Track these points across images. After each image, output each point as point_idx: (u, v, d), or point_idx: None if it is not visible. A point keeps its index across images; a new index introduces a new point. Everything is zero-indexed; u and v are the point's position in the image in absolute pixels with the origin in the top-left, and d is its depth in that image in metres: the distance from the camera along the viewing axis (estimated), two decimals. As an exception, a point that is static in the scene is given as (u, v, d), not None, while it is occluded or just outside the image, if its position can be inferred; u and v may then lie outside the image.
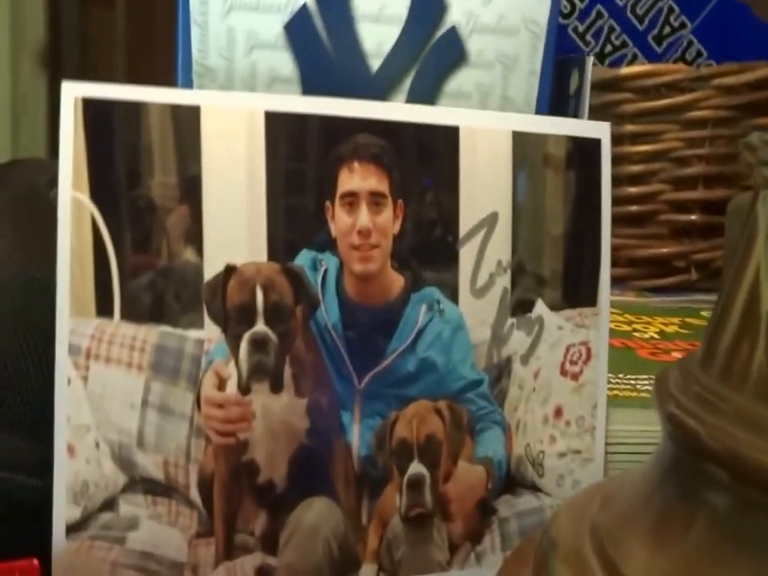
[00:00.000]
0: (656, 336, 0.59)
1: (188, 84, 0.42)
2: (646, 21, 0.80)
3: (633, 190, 0.75)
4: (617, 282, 0.70)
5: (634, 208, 0.75)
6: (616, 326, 0.57)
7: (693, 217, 0.81)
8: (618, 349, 0.51)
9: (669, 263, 0.82)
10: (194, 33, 0.42)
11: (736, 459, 0.26)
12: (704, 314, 0.67)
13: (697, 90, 0.74)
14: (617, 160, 0.67)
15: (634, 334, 0.58)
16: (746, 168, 0.79)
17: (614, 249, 0.62)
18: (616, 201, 0.61)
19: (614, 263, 0.66)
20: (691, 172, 0.79)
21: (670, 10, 0.79)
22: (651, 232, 0.79)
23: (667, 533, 0.29)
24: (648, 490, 0.31)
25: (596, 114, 0.55)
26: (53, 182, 0.43)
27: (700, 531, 0.28)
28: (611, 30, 0.80)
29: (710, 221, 0.81)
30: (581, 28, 0.79)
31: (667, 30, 0.80)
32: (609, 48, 0.79)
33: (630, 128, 0.73)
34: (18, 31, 1.34)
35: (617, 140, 0.71)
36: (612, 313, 0.50)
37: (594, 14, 0.79)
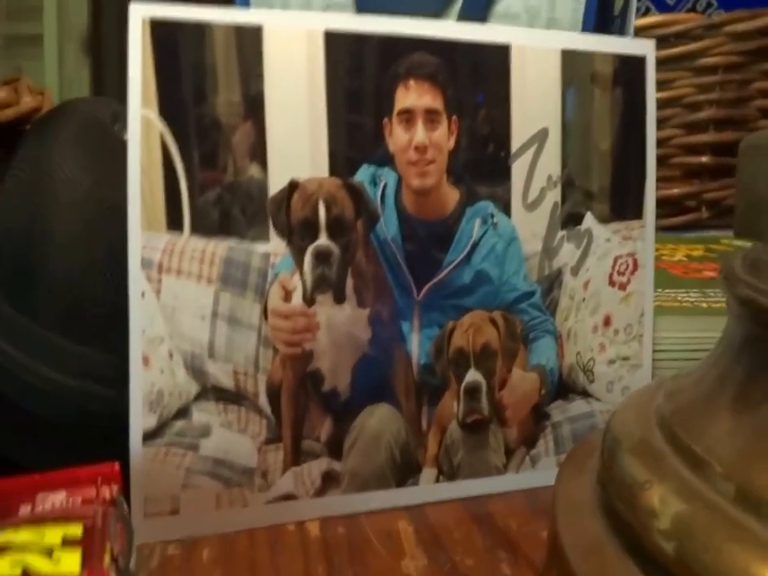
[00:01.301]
0: (684, 258, 0.61)
1: (246, 5, 0.43)
2: (659, -27, 0.80)
3: None
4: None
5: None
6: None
7: (703, 159, 0.84)
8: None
9: (681, 203, 0.85)
10: None
11: None
12: (725, 241, 0.68)
13: (708, 37, 0.76)
14: None
15: (663, 257, 0.60)
16: (754, 111, 0.82)
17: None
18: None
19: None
20: (702, 116, 0.82)
21: (683, -39, 0.79)
22: (664, 174, 0.81)
23: (741, 411, 0.30)
24: (718, 374, 0.32)
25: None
26: (116, 116, 0.44)
27: None
28: (626, -20, 0.81)
29: (720, 162, 0.83)
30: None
31: (680, -19, 0.81)
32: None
33: None
34: (63, 19, 1.33)
35: None
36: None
37: None
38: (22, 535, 0.29)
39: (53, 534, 0.29)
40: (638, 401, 0.36)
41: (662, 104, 0.78)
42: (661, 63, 0.74)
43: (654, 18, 0.76)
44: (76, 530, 0.30)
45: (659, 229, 0.79)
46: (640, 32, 0.75)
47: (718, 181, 0.85)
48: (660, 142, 0.77)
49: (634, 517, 0.31)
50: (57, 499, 0.33)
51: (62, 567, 0.28)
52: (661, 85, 0.75)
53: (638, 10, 0.82)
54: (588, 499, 0.35)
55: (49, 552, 0.28)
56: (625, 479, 0.32)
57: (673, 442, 0.31)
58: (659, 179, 0.81)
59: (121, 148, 0.41)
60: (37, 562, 0.28)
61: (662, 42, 0.76)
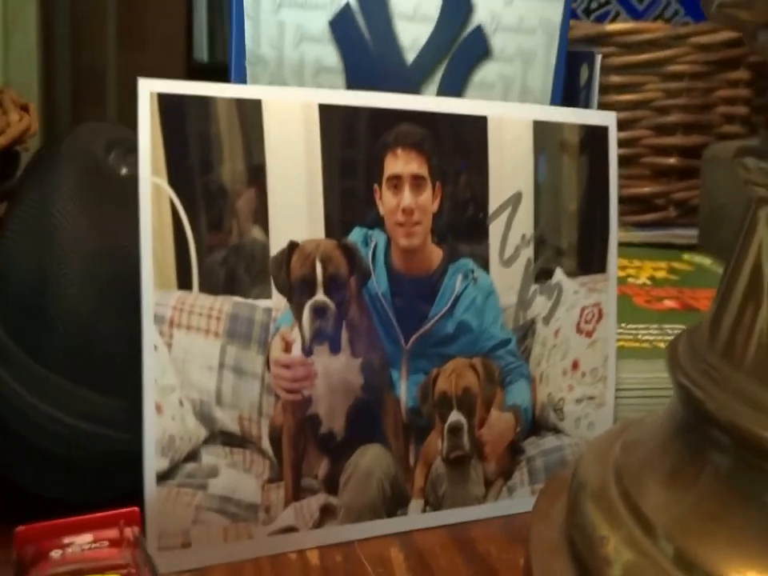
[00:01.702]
0: (648, 282, 0.66)
1: (241, 71, 0.46)
2: (629, -20, 0.85)
3: (618, 134, 0.81)
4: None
5: (619, 151, 0.81)
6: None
7: (671, 160, 0.87)
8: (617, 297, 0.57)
9: (650, 201, 0.88)
10: (248, 25, 0.46)
11: (737, 429, 0.31)
12: (686, 257, 0.73)
13: (675, 46, 0.80)
14: (603, 107, 0.75)
15: (629, 279, 0.65)
16: (719, 117, 0.85)
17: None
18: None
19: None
20: (671, 120, 0.85)
21: (652, -29, 0.84)
22: (635, 173, 0.85)
23: (679, 483, 0.34)
24: (663, 442, 0.36)
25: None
26: (110, 145, 0.46)
27: (706, 483, 0.33)
28: (597, -13, 0.85)
29: (687, 164, 0.86)
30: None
31: (649, -12, 0.85)
32: (594, 5, 0.83)
33: (615, 79, 0.79)
34: None
35: (603, 89, 0.78)
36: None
37: None
38: None
39: None
40: (600, 448, 0.40)
41: (632, 106, 0.82)
42: (631, 67, 0.80)
43: (624, 25, 0.80)
44: None
45: (631, 224, 0.84)
46: (611, 36, 0.80)
47: (685, 181, 0.89)
48: (631, 142, 0.82)
49: (592, 558, 0.35)
50: (84, 542, 0.35)
51: None
52: (631, 87, 0.82)
53: (608, 13, 0.86)
54: (557, 540, 0.39)
55: None
56: (586, 528, 0.36)
57: (625, 497, 0.36)
58: (630, 177, 0.86)
59: (119, 184, 0.45)
60: None
61: (633, 47, 0.80)
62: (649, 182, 0.88)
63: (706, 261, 0.75)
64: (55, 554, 0.35)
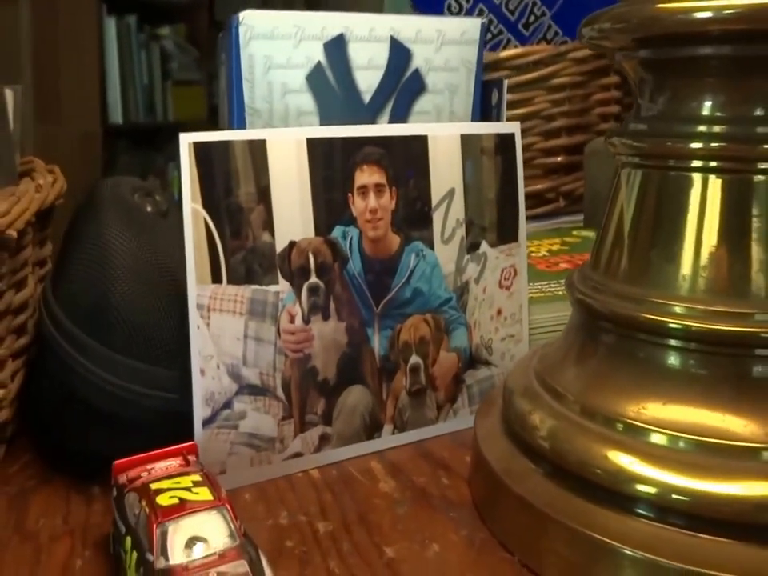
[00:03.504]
0: (546, 254, 0.77)
1: (242, 120, 0.56)
2: (516, 13, 0.92)
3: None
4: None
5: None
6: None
7: (559, 159, 0.95)
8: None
9: (543, 196, 0.96)
10: (245, 85, 0.56)
11: (615, 315, 0.44)
12: (575, 233, 0.84)
13: (557, 62, 0.88)
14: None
15: (531, 254, 0.76)
16: (596, 117, 0.95)
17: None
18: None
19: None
20: (556, 125, 0.93)
21: (534, 3, 0.91)
22: (529, 173, 0.92)
23: (580, 363, 0.46)
24: (567, 343, 0.48)
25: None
26: (134, 189, 0.57)
27: (598, 358, 0.46)
28: (491, 21, 0.92)
29: (572, 160, 0.94)
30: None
31: (532, 18, 0.93)
32: (489, 36, 0.91)
33: (509, 97, 0.81)
34: None
35: None
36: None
37: (476, 11, 0.91)
38: (165, 483, 0.43)
39: (186, 480, 0.43)
40: (521, 365, 0.52)
41: (524, 117, 0.89)
42: (522, 85, 0.87)
43: (514, 51, 0.87)
44: (198, 477, 0.44)
45: (528, 218, 0.92)
46: (504, 62, 0.87)
47: (571, 175, 0.96)
48: (525, 148, 0.84)
49: (525, 432, 0.46)
50: (162, 466, 0.46)
51: (201, 497, 0.41)
52: (523, 102, 0.89)
53: (500, 42, 0.92)
54: (496, 427, 0.50)
55: (188, 489, 0.42)
56: (518, 411, 0.48)
57: (544, 385, 0.47)
58: (526, 177, 0.90)
59: (146, 218, 0.55)
60: (184, 495, 0.42)
61: (521, 68, 0.87)
62: (540, 180, 0.94)
63: (590, 234, 0.84)
64: (144, 474, 0.45)
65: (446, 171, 0.57)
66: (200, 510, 0.41)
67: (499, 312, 0.61)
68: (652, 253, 0.44)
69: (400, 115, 0.60)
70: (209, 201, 0.50)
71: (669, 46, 0.43)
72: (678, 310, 0.42)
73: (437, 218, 0.57)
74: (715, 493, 0.39)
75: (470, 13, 0.92)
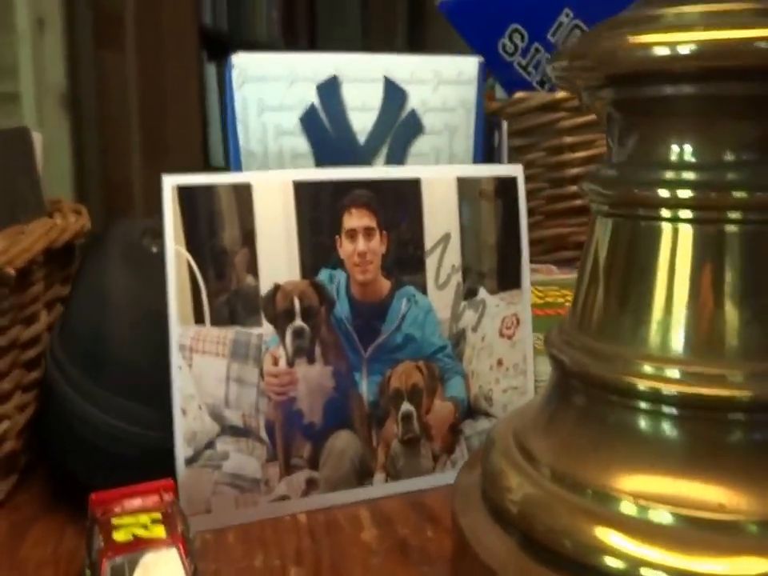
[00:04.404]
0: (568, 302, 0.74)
1: (238, 162, 0.57)
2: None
3: (574, 188, 0.82)
4: (567, 262, 0.80)
5: (577, 202, 0.83)
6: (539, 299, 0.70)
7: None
8: (539, 317, 0.63)
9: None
10: (240, 128, 0.57)
11: (585, 375, 0.41)
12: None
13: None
14: (559, 165, 0.79)
15: (549, 302, 0.71)
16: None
17: (564, 236, 0.75)
18: (563, 197, 0.75)
19: (564, 247, 0.78)
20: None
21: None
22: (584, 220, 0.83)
23: (553, 426, 0.44)
24: (544, 402, 0.46)
25: (541, 130, 0.68)
26: (144, 231, 0.59)
27: (570, 420, 0.43)
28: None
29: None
30: (523, 62, 0.87)
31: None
32: (546, 77, 0.88)
33: (568, 139, 0.83)
34: (40, 76, 1.41)
35: (557, 149, 0.83)
36: (538, 290, 0.66)
37: (532, 50, 0.87)
38: (125, 520, 0.44)
39: (144, 518, 0.44)
40: (507, 420, 0.49)
41: (585, 161, 0.84)
42: (581, 127, 0.83)
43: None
44: (157, 515, 0.44)
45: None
46: (561, 103, 0.82)
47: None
48: (581, 194, 0.84)
49: (495, 493, 0.44)
50: (136, 502, 0.47)
51: (155, 534, 0.42)
52: (582, 145, 0.84)
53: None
54: (476, 484, 0.48)
55: (145, 527, 0.43)
56: (493, 469, 0.45)
57: (518, 445, 0.45)
58: (579, 224, 0.83)
59: (151, 258, 0.56)
60: (139, 532, 0.43)
61: (581, 109, 0.83)
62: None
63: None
64: (118, 508, 0.46)
65: (441, 215, 0.56)
66: (151, 548, 0.42)
67: (500, 362, 0.59)
68: (623, 307, 0.41)
69: (396, 157, 0.60)
70: (193, 243, 0.51)
71: (632, 85, 0.41)
72: (648, 369, 0.39)
73: (431, 262, 0.57)
74: (696, 572, 0.36)
75: (525, 52, 0.90)
